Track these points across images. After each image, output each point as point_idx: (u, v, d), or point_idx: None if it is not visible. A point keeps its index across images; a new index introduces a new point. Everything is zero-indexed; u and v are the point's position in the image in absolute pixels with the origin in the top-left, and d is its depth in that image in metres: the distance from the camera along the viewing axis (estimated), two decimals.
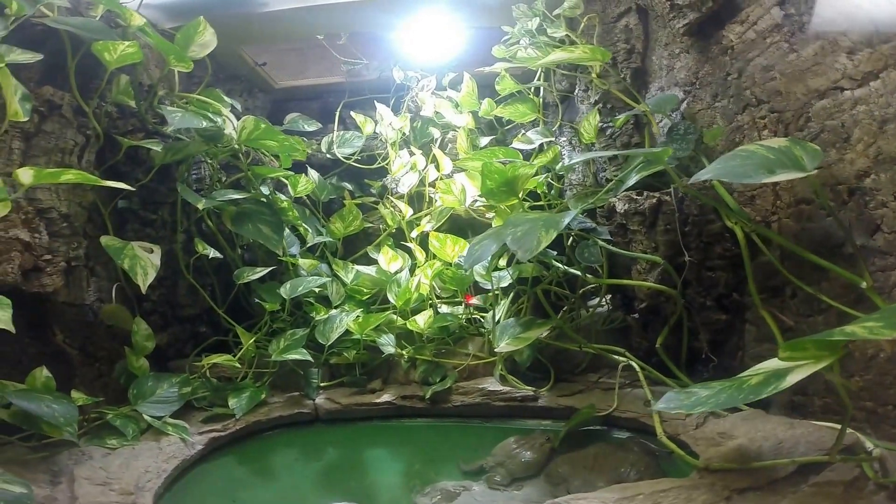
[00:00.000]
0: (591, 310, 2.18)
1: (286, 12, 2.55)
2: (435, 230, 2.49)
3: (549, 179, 2.34)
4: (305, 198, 2.66)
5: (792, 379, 1.13)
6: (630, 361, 1.97)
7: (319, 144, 2.78)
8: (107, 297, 2.09)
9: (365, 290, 2.40)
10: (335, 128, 2.84)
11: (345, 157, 2.77)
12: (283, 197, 2.42)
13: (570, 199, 2.18)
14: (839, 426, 1.26)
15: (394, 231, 2.65)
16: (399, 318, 2.34)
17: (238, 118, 2.17)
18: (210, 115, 2.08)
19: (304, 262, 2.38)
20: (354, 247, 2.73)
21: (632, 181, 1.92)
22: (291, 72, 3.06)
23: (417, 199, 2.71)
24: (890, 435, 1.41)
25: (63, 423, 1.61)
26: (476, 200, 2.44)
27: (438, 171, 2.61)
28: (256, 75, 2.90)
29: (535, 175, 2.09)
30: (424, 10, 2.62)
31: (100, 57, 1.87)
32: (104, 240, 1.87)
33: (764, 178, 1.43)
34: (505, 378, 2.12)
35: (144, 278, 1.84)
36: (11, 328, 1.44)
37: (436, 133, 2.77)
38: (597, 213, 2.13)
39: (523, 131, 2.49)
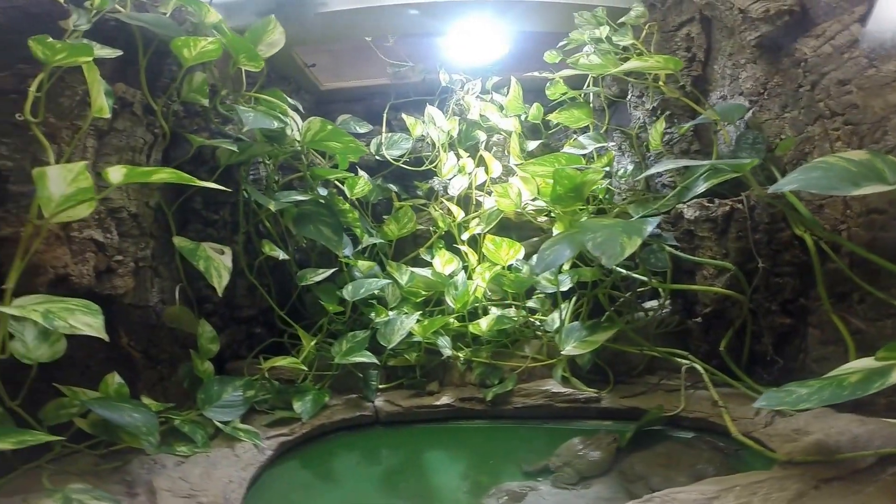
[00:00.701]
0: (650, 313, 2.12)
1: (343, 13, 2.45)
2: (485, 232, 2.42)
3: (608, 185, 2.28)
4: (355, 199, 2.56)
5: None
6: (694, 364, 1.92)
7: (368, 146, 2.68)
8: (169, 299, 1.97)
9: (423, 292, 2.31)
10: (383, 130, 2.74)
11: (394, 159, 2.67)
12: (342, 198, 2.32)
13: (629, 205, 2.11)
14: None
15: (443, 233, 2.56)
16: (454, 320, 2.26)
17: (303, 119, 2.07)
18: (280, 115, 1.97)
19: (361, 265, 2.29)
20: (400, 248, 2.64)
21: (701, 188, 1.87)
22: (336, 73, 2.95)
23: (464, 202, 2.62)
24: None
25: (145, 433, 1.50)
26: (527, 204, 2.37)
27: (487, 174, 2.53)
28: (304, 76, 2.79)
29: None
30: (472, 14, 2.55)
31: (178, 54, 1.75)
32: (177, 241, 1.76)
33: (852, 191, 1.39)
34: (568, 380, 2.06)
35: (220, 280, 1.74)
36: (105, 335, 1.33)
37: (481, 136, 2.69)
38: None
39: (575, 136, 2.42)
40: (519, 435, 2.06)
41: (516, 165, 2.16)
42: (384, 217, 2.60)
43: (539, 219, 2.39)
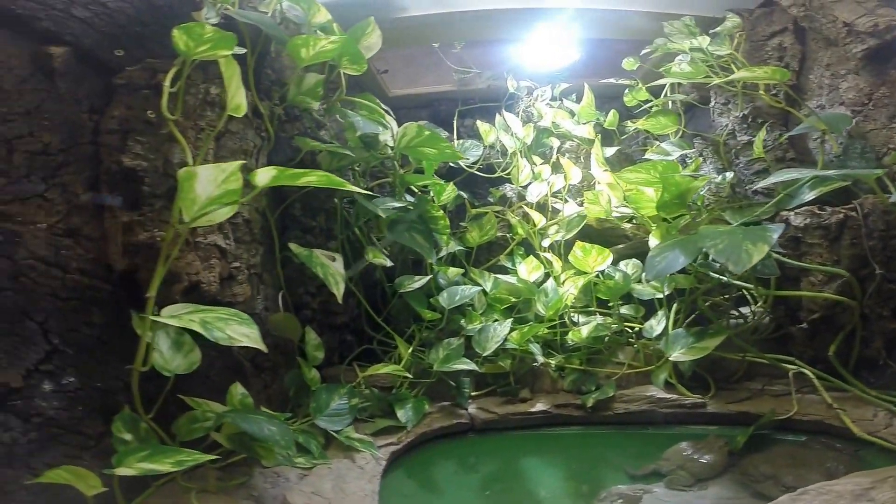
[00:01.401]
0: (751, 319, 2.05)
1: (419, 18, 2.36)
2: (566, 239, 2.34)
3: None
4: None
5: None
6: (802, 369, 1.86)
7: None
8: (272, 306, 1.86)
9: (511, 299, 2.22)
10: (454, 137, 2.65)
11: (467, 166, 2.58)
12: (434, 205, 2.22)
13: (725, 212, 2.05)
14: None
15: (522, 240, 2.47)
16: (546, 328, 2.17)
17: (399, 124, 1.98)
18: (381, 120, 1.87)
19: (450, 272, 2.19)
20: (477, 255, 2.54)
21: (808, 196, 1.82)
22: (402, 79, 2.85)
23: (539, 209, 2.54)
24: None
25: (283, 446, 1.39)
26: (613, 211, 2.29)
27: (566, 180, 2.46)
28: (374, 83, 2.69)
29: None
30: (545, 21, 2.48)
31: (294, 54, 1.65)
32: (294, 247, 1.66)
33: None
34: (673, 386, 1.98)
35: (338, 287, 1.63)
36: (263, 346, 1.22)
37: (554, 142, 2.61)
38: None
39: (656, 143, 2.36)
40: (616, 441, 1.98)
41: (616, 173, 2.08)
42: (460, 224, 2.50)
43: (624, 225, 2.31)
